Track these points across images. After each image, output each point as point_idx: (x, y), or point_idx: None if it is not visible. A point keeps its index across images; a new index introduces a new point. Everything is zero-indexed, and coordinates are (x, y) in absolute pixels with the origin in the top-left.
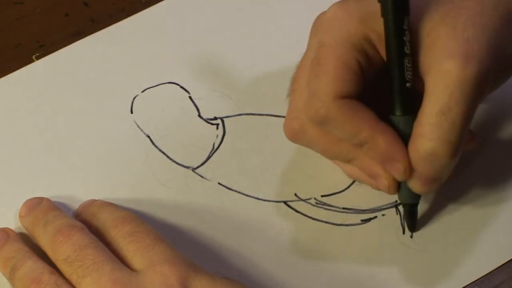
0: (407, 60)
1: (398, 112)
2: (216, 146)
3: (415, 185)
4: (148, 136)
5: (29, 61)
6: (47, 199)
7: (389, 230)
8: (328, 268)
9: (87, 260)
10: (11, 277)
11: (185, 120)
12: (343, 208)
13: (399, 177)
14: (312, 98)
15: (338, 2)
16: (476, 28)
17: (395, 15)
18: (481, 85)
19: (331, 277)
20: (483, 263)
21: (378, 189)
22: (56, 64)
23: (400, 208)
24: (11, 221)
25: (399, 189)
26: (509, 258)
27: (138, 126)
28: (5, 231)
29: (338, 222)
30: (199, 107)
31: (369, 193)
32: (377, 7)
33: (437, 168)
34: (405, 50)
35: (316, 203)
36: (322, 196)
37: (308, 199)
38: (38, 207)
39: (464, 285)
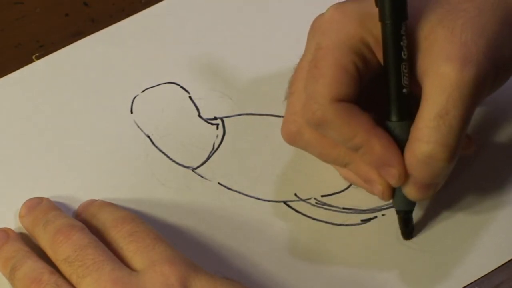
0: (404, 66)
1: (394, 118)
2: (216, 146)
3: (410, 191)
4: (148, 136)
5: (29, 61)
6: (47, 199)
7: (389, 230)
8: (328, 268)
9: (87, 260)
10: (11, 277)
11: (185, 120)
12: (343, 208)
13: (394, 182)
14: (309, 100)
15: (336, 4)
16: (474, 30)
17: (393, 20)
18: (479, 88)
19: (331, 277)
20: (483, 263)
21: (373, 194)
22: (56, 64)
23: None
24: (11, 221)
25: (394, 195)
26: (509, 258)
27: (138, 126)
28: (5, 231)
29: (338, 222)
30: (199, 107)
31: (369, 193)
32: (375, 9)
33: (434, 172)
34: (402, 55)
35: (316, 203)
36: (322, 196)
37: (308, 199)
38: (38, 207)
39: (464, 285)
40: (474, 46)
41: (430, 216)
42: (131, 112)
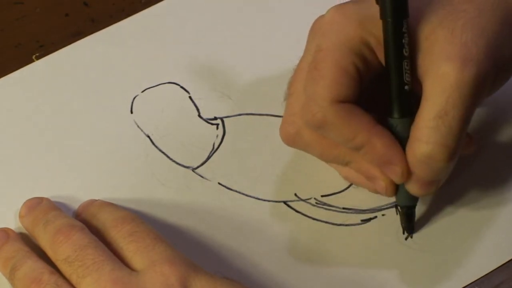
0: (405, 63)
1: (396, 115)
2: (216, 146)
3: (412, 187)
4: (148, 136)
5: (29, 61)
6: (47, 199)
7: (389, 230)
8: (328, 268)
9: (87, 260)
10: (11, 277)
11: (185, 120)
12: (343, 208)
13: (397, 179)
14: (309, 102)
15: (336, 5)
16: (474, 31)
17: (395, 17)
18: (479, 89)
19: (331, 277)
20: (483, 263)
21: (376, 191)
22: (56, 64)
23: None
24: (11, 221)
25: (397, 191)
26: (509, 258)
27: (138, 126)
28: (5, 231)
29: (338, 222)
30: (199, 107)
31: (369, 193)
32: (375, 10)
33: (434, 171)
34: (404, 52)
35: (316, 203)
36: (322, 196)
37: (308, 199)
38: (38, 207)
39: (464, 285)
40: (474, 46)
41: (430, 216)
42: (131, 112)
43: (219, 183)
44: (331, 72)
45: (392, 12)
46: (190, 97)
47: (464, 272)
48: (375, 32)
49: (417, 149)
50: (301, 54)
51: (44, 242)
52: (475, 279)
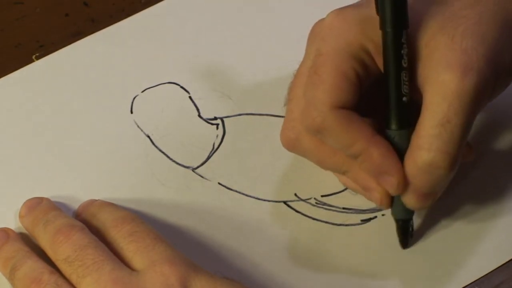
0: (404, 74)
1: (393, 126)
2: (216, 146)
3: (409, 199)
4: (148, 136)
5: (29, 61)
6: (47, 199)
7: (389, 230)
8: (328, 268)
9: (87, 260)
10: (11, 277)
11: (185, 120)
12: (343, 208)
13: (392, 191)
14: (309, 107)
15: (336, 10)
16: (475, 38)
17: (394, 28)
18: (480, 96)
19: (331, 277)
20: (483, 263)
21: (373, 202)
22: (56, 64)
23: None
24: (11, 221)
25: (392, 203)
26: (509, 258)
27: (138, 126)
28: (5, 231)
29: (338, 222)
30: (199, 107)
31: None
32: (375, 15)
33: (435, 180)
34: (403, 63)
35: (316, 203)
36: (322, 196)
37: (308, 199)
38: (38, 207)
39: (464, 285)
40: (474, 53)
41: (430, 216)
42: (131, 112)
43: (219, 183)
44: (331, 77)
45: (392, 22)
46: (190, 97)
47: (464, 272)
48: (375, 38)
49: (419, 157)
50: (301, 54)
51: (44, 242)
52: (475, 279)
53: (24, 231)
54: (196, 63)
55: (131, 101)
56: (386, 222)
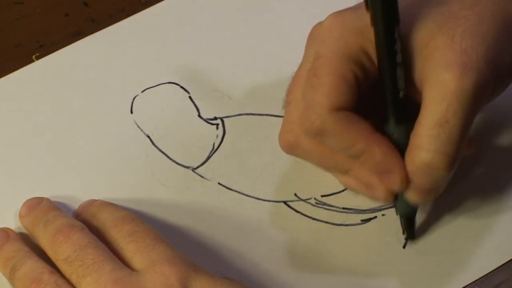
0: (399, 69)
1: (392, 122)
2: (216, 146)
3: (412, 196)
4: (148, 136)
5: (29, 61)
6: (47, 199)
7: (389, 230)
8: (328, 268)
9: (87, 260)
10: (11, 277)
11: (185, 120)
12: (343, 208)
13: (396, 188)
14: (308, 109)
15: (335, 12)
16: (474, 38)
17: (385, 24)
18: (479, 96)
19: (331, 277)
20: (483, 263)
21: (375, 199)
22: (56, 64)
23: None
24: (11, 221)
25: (396, 199)
26: (509, 258)
27: (138, 126)
28: (5, 231)
29: (338, 222)
30: (199, 107)
31: None
32: None
33: (434, 179)
34: (397, 59)
35: (316, 203)
36: (322, 196)
37: (308, 199)
38: (38, 207)
39: (464, 285)
40: (474, 53)
41: (430, 217)
42: (131, 112)
43: (219, 183)
44: (330, 80)
45: (383, 18)
46: (190, 97)
47: (464, 272)
48: (373, 40)
49: (417, 157)
50: (301, 54)
51: (44, 242)
52: (475, 279)
53: (24, 231)
54: (196, 63)
55: (131, 101)
56: (386, 222)
